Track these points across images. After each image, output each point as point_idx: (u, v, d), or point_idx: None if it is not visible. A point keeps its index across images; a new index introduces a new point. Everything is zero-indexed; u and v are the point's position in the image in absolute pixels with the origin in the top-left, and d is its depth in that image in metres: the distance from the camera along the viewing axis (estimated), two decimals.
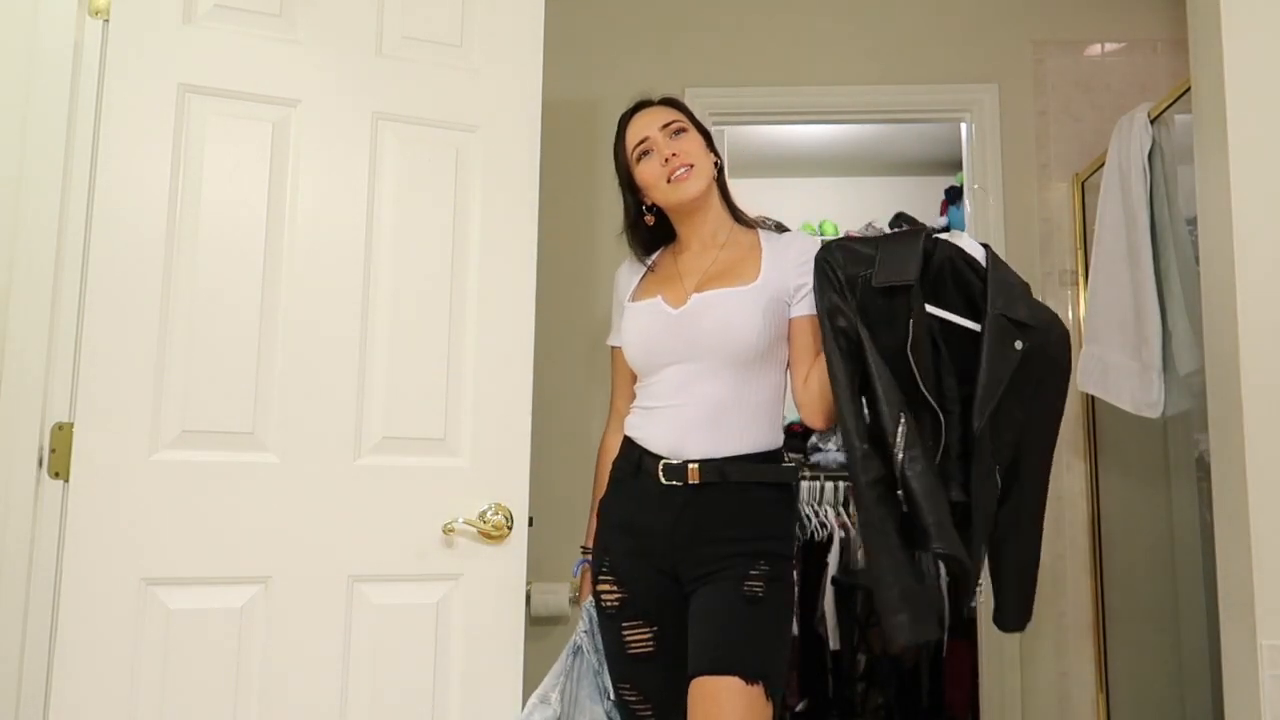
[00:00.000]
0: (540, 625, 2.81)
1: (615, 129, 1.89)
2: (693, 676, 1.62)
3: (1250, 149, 1.87)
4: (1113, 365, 2.53)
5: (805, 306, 1.72)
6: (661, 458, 1.73)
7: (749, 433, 1.73)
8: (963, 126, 3.14)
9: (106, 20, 1.71)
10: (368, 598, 1.74)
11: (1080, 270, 2.94)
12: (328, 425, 1.75)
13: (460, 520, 1.77)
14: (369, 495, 1.76)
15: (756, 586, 1.65)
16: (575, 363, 2.92)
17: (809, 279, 1.68)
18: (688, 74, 3.05)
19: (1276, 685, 1.73)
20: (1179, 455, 2.69)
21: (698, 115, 3.20)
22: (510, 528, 1.79)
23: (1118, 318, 2.52)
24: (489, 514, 1.78)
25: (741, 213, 1.88)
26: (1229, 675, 1.84)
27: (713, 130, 3.01)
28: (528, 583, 1.83)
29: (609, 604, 1.75)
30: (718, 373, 1.71)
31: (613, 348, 1.93)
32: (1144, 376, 2.43)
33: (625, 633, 1.74)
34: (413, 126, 1.86)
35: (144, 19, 1.71)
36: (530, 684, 1.77)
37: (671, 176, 1.76)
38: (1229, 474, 1.85)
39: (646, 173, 1.80)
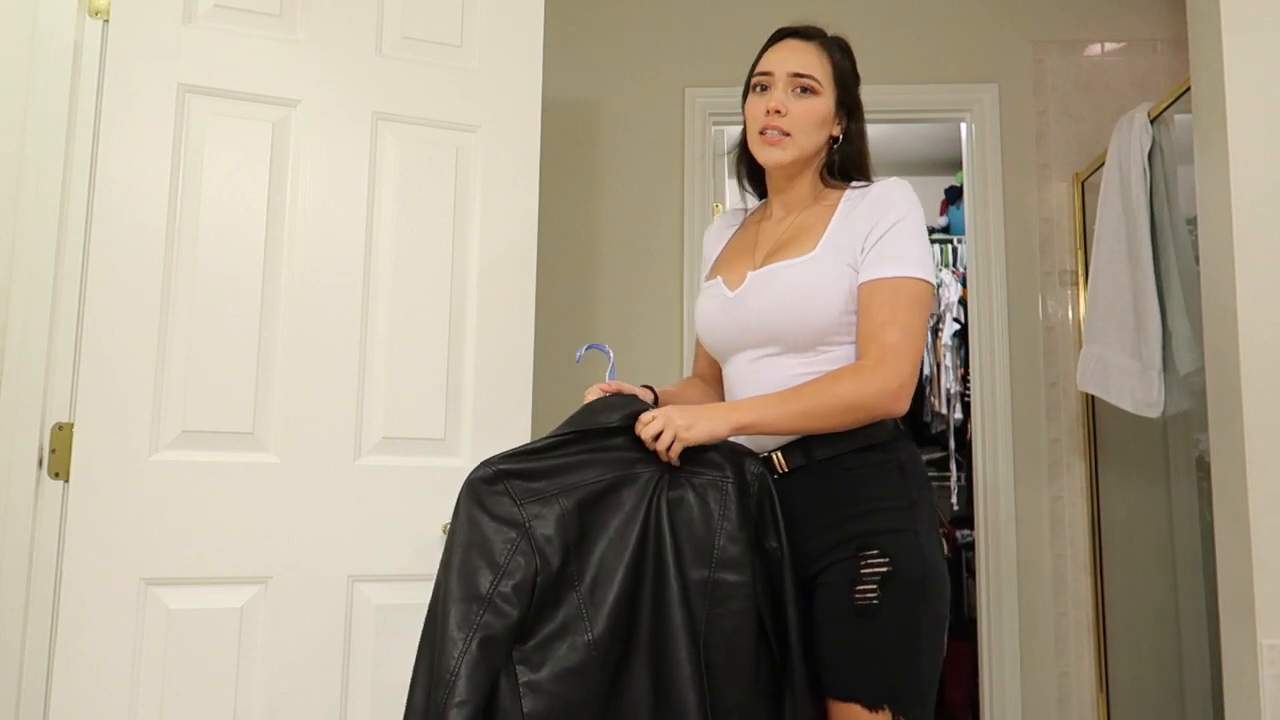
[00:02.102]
0: None
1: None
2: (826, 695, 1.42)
3: (1250, 149, 1.87)
4: (1113, 365, 2.53)
5: (871, 270, 1.46)
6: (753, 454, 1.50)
7: None
8: (963, 126, 3.14)
9: (106, 20, 1.71)
10: (368, 598, 1.74)
11: (1080, 270, 2.94)
12: (328, 425, 1.75)
13: None
14: (369, 495, 1.76)
15: (869, 592, 1.37)
16: (575, 363, 2.92)
17: (880, 231, 1.47)
18: (688, 74, 3.05)
19: (1276, 685, 1.73)
20: (1179, 455, 2.69)
21: (697, 117, 3.17)
22: None
23: (1118, 318, 2.52)
24: None
25: (841, 175, 1.62)
26: (1229, 675, 1.84)
27: (712, 130, 3.04)
28: None
29: None
30: (784, 355, 1.50)
31: None
32: (1144, 376, 2.43)
33: None
34: (413, 126, 1.86)
35: (144, 19, 1.71)
36: None
37: (763, 131, 1.56)
38: (1229, 474, 1.86)
39: (750, 108, 1.61)
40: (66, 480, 1.63)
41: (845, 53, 1.65)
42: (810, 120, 1.56)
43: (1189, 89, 2.10)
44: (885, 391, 1.41)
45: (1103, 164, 2.67)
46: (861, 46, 3.29)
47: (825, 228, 1.52)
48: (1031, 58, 3.06)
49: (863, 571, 1.38)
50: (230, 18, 1.77)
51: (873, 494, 1.44)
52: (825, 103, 1.58)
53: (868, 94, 2.81)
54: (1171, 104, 2.42)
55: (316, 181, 1.79)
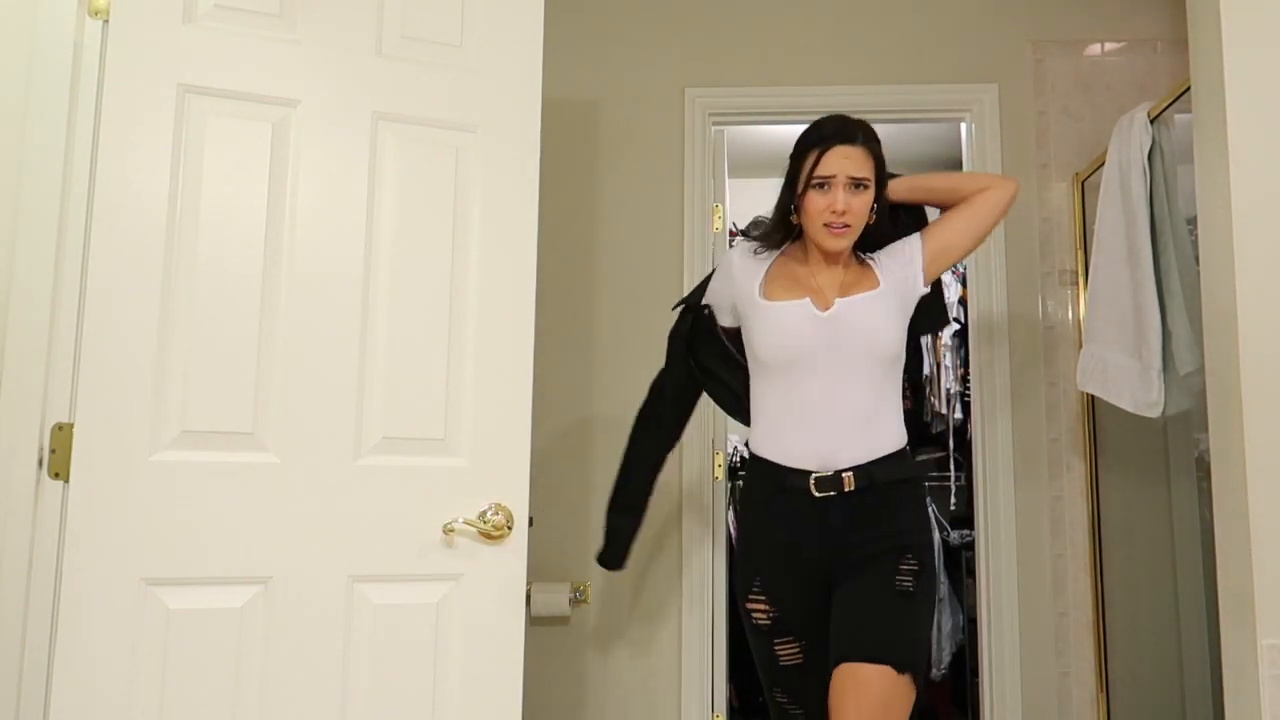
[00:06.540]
0: (540, 625, 2.81)
1: (790, 143, 1.92)
2: (841, 661, 1.75)
3: (1250, 149, 1.87)
4: (1113, 365, 2.53)
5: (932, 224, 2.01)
6: (811, 472, 1.86)
7: (889, 434, 1.88)
8: (963, 126, 3.14)
9: (106, 20, 1.71)
10: (368, 598, 1.74)
11: (1080, 270, 2.94)
12: (328, 425, 1.75)
13: (460, 520, 1.77)
14: (369, 495, 1.76)
15: (906, 581, 1.80)
16: (575, 363, 2.92)
17: (905, 250, 1.97)
18: (687, 74, 3.05)
19: (1276, 685, 1.73)
20: (1179, 455, 2.69)
21: (697, 117, 3.21)
22: (510, 528, 1.80)
23: (1118, 318, 2.52)
24: (489, 514, 1.78)
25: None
26: (1229, 675, 1.84)
27: (712, 130, 3.05)
28: (528, 583, 1.83)
29: (761, 622, 1.91)
30: (860, 375, 1.86)
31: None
32: (1144, 376, 2.43)
33: (777, 647, 1.91)
34: (412, 126, 1.86)
35: (144, 19, 1.71)
36: (530, 684, 1.78)
37: (829, 225, 1.87)
38: (1229, 474, 1.86)
39: (813, 203, 1.89)
40: (66, 480, 1.63)
41: (878, 140, 1.93)
42: (863, 209, 1.90)
43: (1189, 89, 2.10)
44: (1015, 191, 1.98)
45: (1103, 164, 2.67)
46: (862, 46, 3.30)
47: (876, 272, 1.95)
48: (1031, 58, 3.06)
49: (902, 566, 1.82)
50: (230, 18, 1.77)
51: (913, 516, 1.89)
52: (871, 192, 1.91)
53: (868, 94, 2.86)
54: (1171, 104, 2.42)
55: (316, 181, 1.79)
